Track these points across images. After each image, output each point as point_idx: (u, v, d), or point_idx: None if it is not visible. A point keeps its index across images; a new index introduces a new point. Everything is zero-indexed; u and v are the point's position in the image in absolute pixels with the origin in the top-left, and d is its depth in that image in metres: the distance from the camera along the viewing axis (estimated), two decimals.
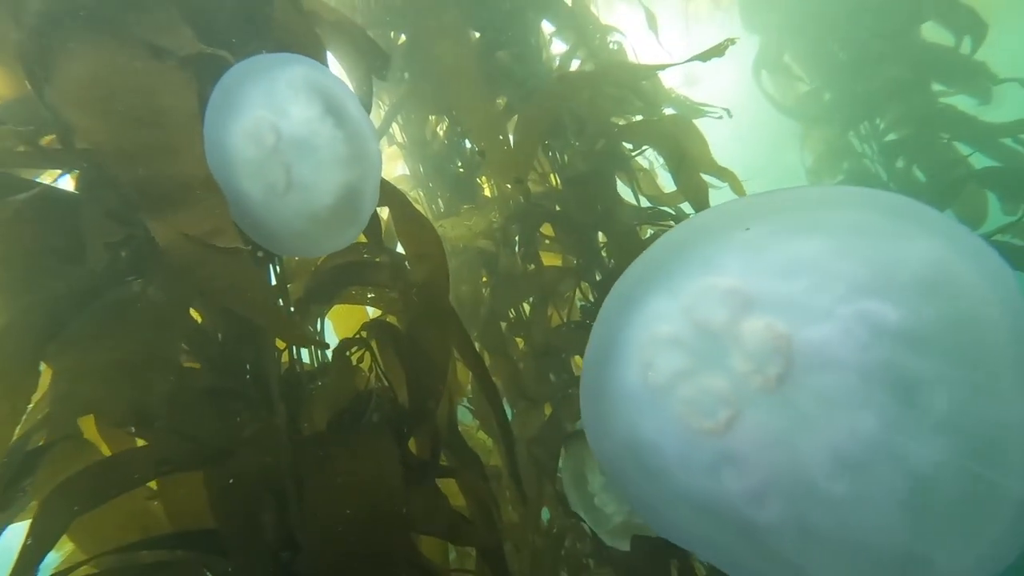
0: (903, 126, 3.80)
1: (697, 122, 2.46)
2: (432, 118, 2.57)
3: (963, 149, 3.63)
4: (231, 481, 0.98)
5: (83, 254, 1.05)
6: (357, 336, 1.29)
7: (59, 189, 1.13)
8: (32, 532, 0.91)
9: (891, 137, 3.85)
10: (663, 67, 2.09)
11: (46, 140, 1.11)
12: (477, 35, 2.43)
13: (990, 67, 3.40)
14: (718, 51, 1.92)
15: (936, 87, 3.79)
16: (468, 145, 2.56)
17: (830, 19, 4.24)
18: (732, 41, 1.91)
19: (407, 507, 0.92)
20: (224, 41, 1.15)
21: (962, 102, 3.74)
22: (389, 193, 1.26)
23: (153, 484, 1.12)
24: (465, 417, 2.28)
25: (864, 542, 0.41)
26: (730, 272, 0.51)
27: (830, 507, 0.43)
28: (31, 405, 1.10)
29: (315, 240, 1.11)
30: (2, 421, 0.98)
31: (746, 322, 0.49)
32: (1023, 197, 3.27)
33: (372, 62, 1.42)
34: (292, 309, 1.29)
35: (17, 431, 1.02)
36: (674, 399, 0.52)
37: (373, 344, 1.33)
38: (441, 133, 2.63)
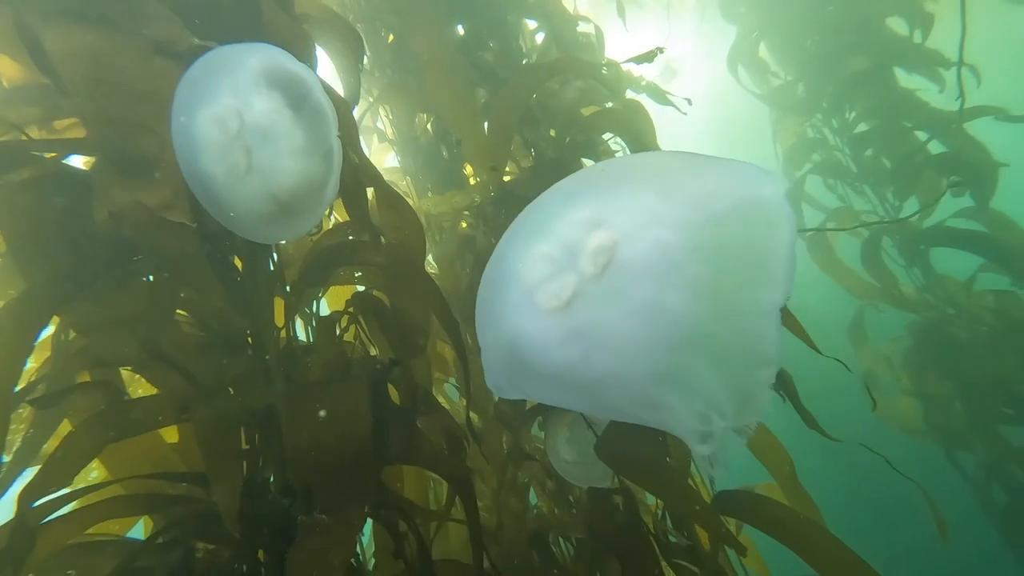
0: (871, 117, 4.00)
1: (675, 113, 2.63)
2: (421, 114, 2.71)
3: (922, 136, 3.83)
4: (220, 419, 1.13)
5: (92, 226, 1.19)
6: (345, 311, 1.45)
7: (71, 166, 1.27)
8: (61, 450, 1.07)
9: (861, 128, 4.04)
10: (646, 56, 2.27)
11: (60, 124, 1.26)
12: (457, 30, 2.58)
13: (943, 55, 3.59)
14: (648, 57, 2.16)
15: (899, 75, 3.99)
16: (454, 137, 2.70)
17: (802, 11, 4.42)
18: (660, 50, 2.21)
19: (386, 444, 1.09)
20: (217, 35, 1.28)
21: (924, 94, 3.94)
22: (370, 175, 1.41)
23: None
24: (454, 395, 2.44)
25: (649, 369, 0.73)
26: (584, 209, 0.80)
27: (633, 348, 0.73)
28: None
29: (276, 222, 1.15)
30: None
31: (590, 237, 0.77)
32: (972, 182, 3.49)
33: (357, 54, 1.57)
34: (288, 289, 1.43)
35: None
36: (538, 294, 0.79)
37: (360, 317, 1.48)
38: (429, 127, 2.77)
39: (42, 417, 1.32)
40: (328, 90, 1.44)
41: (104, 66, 1.17)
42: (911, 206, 3.72)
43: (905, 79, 4.01)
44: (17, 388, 1.20)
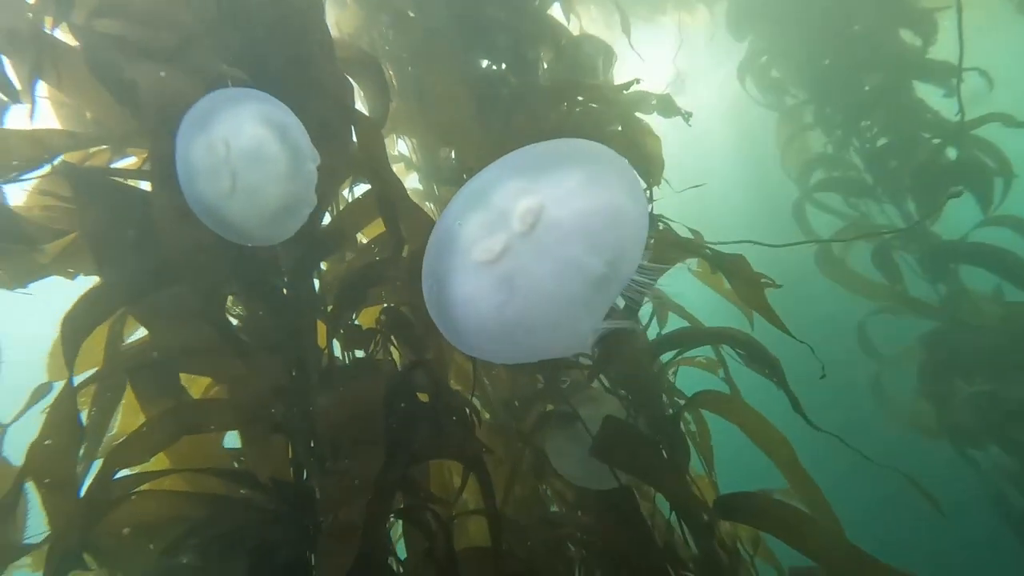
0: (888, 130, 4.07)
1: (684, 126, 2.81)
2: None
3: (937, 145, 3.87)
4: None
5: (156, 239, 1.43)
6: (377, 329, 1.64)
7: (139, 189, 1.51)
8: (137, 436, 1.27)
9: (881, 142, 4.09)
10: (626, 86, 2.46)
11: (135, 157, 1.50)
12: (472, 64, 2.82)
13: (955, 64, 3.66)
14: (629, 84, 2.55)
15: (914, 86, 4.06)
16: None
17: (811, 28, 4.56)
18: (637, 80, 2.54)
19: (411, 433, 1.26)
20: (272, 75, 1.52)
21: (940, 103, 4.00)
22: (397, 192, 1.60)
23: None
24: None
25: (563, 309, 0.94)
26: (514, 182, 0.99)
27: (552, 294, 0.93)
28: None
29: (259, 231, 1.32)
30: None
31: (520, 203, 0.96)
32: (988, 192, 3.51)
33: (385, 90, 1.81)
34: (329, 309, 1.62)
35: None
36: (474, 250, 0.96)
37: (389, 333, 1.66)
38: (452, 155, 3.00)
39: (102, 400, 1.52)
40: (359, 118, 1.66)
41: (169, 96, 1.41)
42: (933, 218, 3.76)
43: (920, 89, 4.08)
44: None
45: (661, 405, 2.05)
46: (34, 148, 1.42)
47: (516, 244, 0.93)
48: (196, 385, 1.71)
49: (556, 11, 3.25)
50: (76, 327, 1.38)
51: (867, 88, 4.12)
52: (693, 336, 2.13)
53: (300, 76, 1.55)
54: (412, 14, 2.72)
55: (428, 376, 1.45)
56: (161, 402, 1.44)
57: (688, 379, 2.28)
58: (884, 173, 4.01)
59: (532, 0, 3.04)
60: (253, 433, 1.35)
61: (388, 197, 1.53)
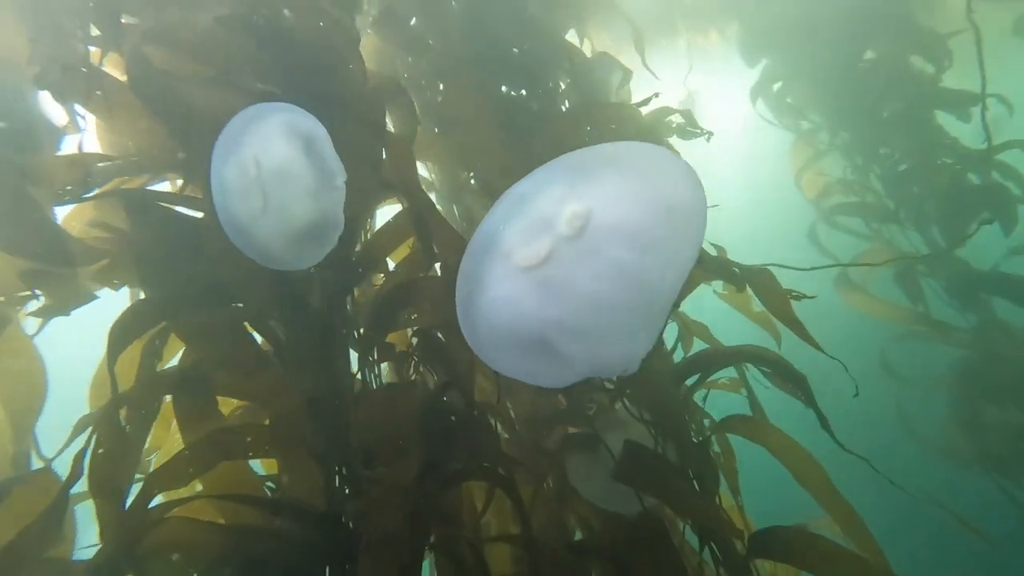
0: (911, 157, 4.08)
1: (695, 146, 2.85)
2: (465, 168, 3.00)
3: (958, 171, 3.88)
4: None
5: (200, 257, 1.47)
6: (410, 354, 1.66)
7: (185, 215, 1.56)
8: (176, 461, 1.29)
9: (903, 167, 4.10)
10: (644, 103, 2.52)
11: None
12: (493, 89, 2.90)
13: (974, 92, 3.70)
14: (648, 100, 2.61)
15: (933, 113, 4.09)
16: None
17: (824, 54, 4.63)
18: (656, 95, 2.59)
19: (445, 450, 1.26)
20: (308, 102, 1.58)
21: (958, 130, 4.02)
22: (427, 207, 1.63)
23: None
24: None
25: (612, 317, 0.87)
26: (560, 186, 0.95)
27: (602, 301, 0.88)
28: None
29: (292, 253, 1.31)
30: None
31: (567, 207, 0.92)
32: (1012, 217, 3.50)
33: (413, 116, 1.87)
34: (358, 334, 1.65)
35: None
36: (516, 255, 0.92)
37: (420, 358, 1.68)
38: (472, 181, 3.06)
39: (137, 417, 1.54)
40: (391, 140, 1.71)
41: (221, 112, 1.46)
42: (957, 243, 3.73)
43: (939, 114, 4.11)
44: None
45: (688, 431, 2.03)
46: (81, 172, 1.48)
47: (562, 248, 0.89)
48: (226, 406, 1.73)
49: (571, 36, 3.35)
50: (120, 337, 1.41)
51: (885, 115, 4.15)
52: (719, 356, 2.10)
53: (335, 103, 1.61)
54: (431, 42, 2.81)
55: (461, 396, 1.46)
56: (198, 423, 1.45)
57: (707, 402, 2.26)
58: (906, 198, 4.01)
59: (547, 26, 3.14)
60: (289, 459, 1.36)
61: (421, 216, 1.57)
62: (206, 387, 1.52)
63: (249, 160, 1.28)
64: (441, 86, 2.86)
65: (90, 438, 1.35)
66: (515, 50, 3.01)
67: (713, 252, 2.30)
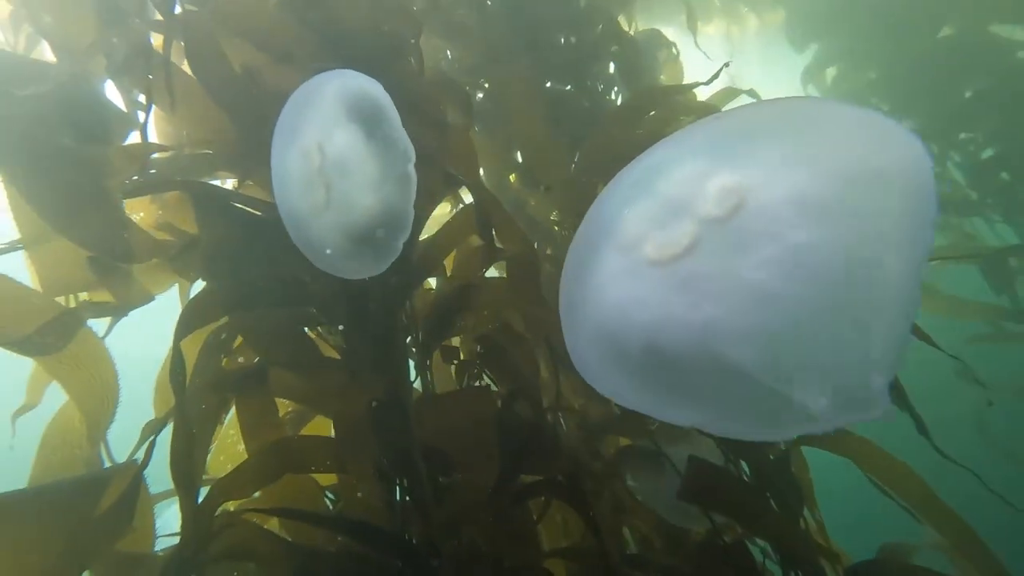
0: (999, 140, 3.71)
1: None
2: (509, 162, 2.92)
3: None
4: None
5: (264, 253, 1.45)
6: (474, 361, 1.60)
7: (256, 217, 1.54)
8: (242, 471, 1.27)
9: (988, 153, 3.75)
10: (691, 86, 2.38)
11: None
12: (544, 79, 2.82)
13: None
14: (715, 77, 2.38)
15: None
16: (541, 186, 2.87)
17: (888, 34, 4.30)
18: (727, 64, 2.37)
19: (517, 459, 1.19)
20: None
21: None
22: (491, 203, 1.56)
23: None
24: None
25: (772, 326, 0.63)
26: (697, 160, 0.73)
27: (758, 301, 0.64)
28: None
29: (353, 257, 1.16)
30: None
31: (710, 182, 0.71)
32: None
33: (469, 110, 1.81)
34: (417, 338, 1.59)
35: None
36: (646, 246, 0.72)
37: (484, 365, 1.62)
38: (512, 178, 2.98)
39: (200, 413, 1.53)
40: (452, 134, 1.65)
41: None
42: None
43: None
44: None
45: (762, 445, 1.89)
46: (146, 164, 1.48)
47: (711, 234, 0.67)
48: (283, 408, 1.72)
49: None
50: (185, 327, 1.41)
51: (968, 95, 3.82)
52: None
53: (393, 95, 1.57)
54: (476, 32, 2.74)
55: (530, 406, 1.39)
56: (257, 424, 1.44)
57: None
58: (993, 188, 3.68)
59: (594, 12, 3.03)
60: (353, 470, 1.32)
61: (484, 212, 1.50)
62: (264, 386, 1.50)
63: (313, 147, 1.13)
64: (486, 78, 2.81)
65: (154, 434, 1.35)
66: (562, 39, 2.92)
67: None
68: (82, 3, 1.71)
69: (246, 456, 1.42)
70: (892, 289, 0.61)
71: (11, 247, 1.52)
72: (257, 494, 1.46)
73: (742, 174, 0.69)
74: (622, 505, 1.83)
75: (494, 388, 1.56)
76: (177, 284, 1.88)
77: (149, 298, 1.70)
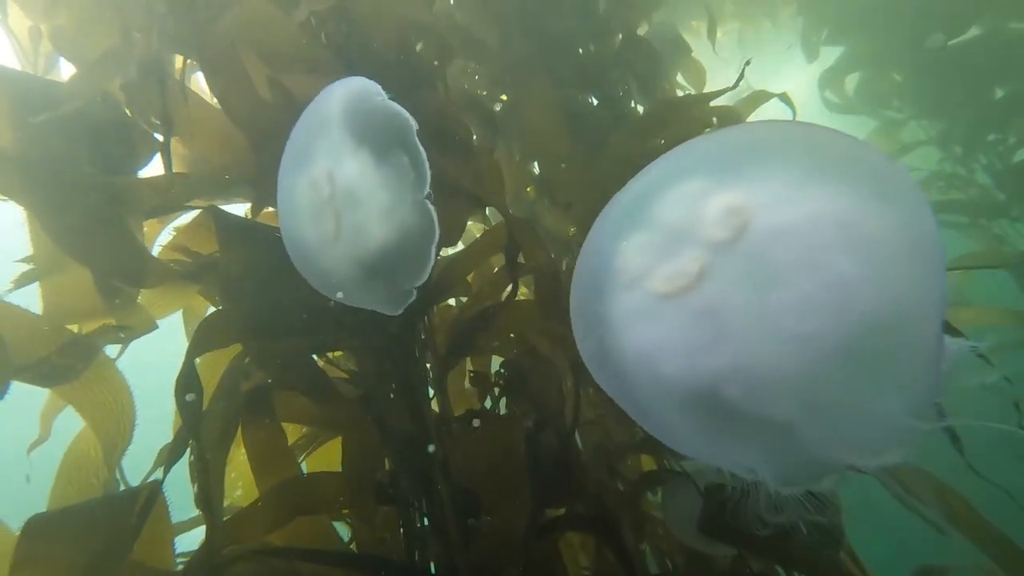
0: None
1: None
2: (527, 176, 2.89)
3: None
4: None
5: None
6: (496, 382, 1.57)
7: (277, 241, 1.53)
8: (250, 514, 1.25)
9: (1020, 155, 3.66)
10: (714, 95, 2.33)
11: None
12: (562, 92, 2.79)
13: None
14: (740, 80, 2.28)
15: None
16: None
17: (908, 37, 4.24)
18: (747, 62, 2.28)
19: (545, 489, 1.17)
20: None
21: None
22: (516, 225, 1.54)
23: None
24: None
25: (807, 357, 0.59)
26: (694, 181, 0.70)
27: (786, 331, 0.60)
28: None
29: (367, 289, 1.09)
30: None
31: (710, 204, 0.67)
32: None
33: (494, 129, 1.79)
34: (429, 365, 1.57)
35: None
36: (651, 281, 0.67)
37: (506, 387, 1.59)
38: (529, 191, 2.96)
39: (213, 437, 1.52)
40: (480, 157, 1.63)
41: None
42: None
43: None
44: None
45: None
46: (167, 194, 1.48)
47: (721, 260, 0.63)
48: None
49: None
50: (199, 350, 1.40)
51: (1000, 95, 3.75)
52: None
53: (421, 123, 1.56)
54: (494, 47, 2.73)
55: (556, 434, 1.36)
56: (264, 450, 1.42)
57: None
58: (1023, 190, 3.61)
59: (612, 22, 3.01)
60: (364, 505, 1.30)
61: (512, 232, 1.48)
62: (270, 411, 1.48)
63: (322, 176, 1.04)
64: (504, 92, 2.79)
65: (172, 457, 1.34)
66: (581, 50, 2.90)
67: None
68: (101, 19, 1.71)
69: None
70: (918, 312, 0.58)
71: (28, 279, 1.52)
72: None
73: (743, 191, 0.65)
74: (645, 529, 1.79)
75: (514, 409, 1.53)
76: (182, 310, 1.89)
77: (153, 326, 1.70)
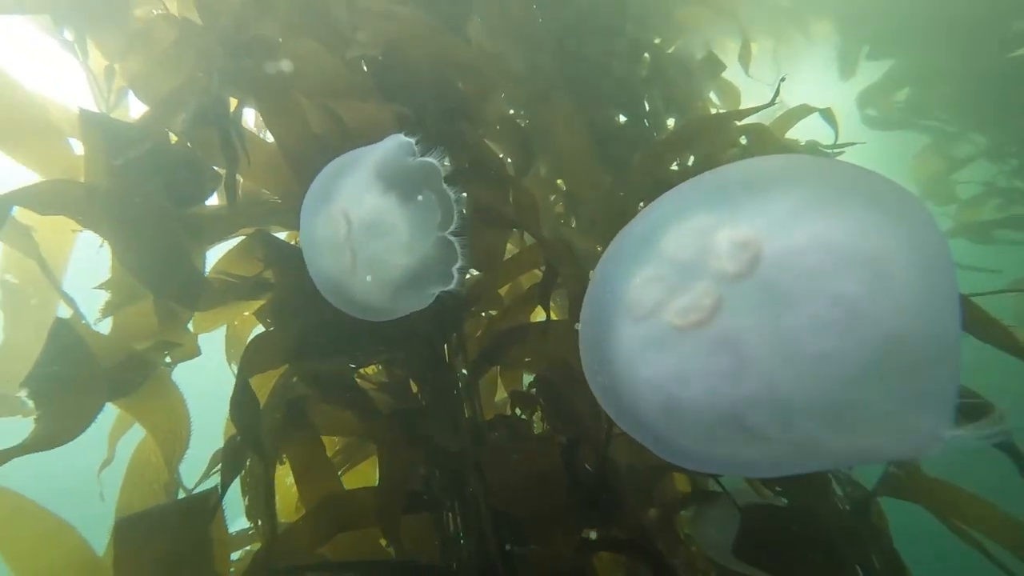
0: None
1: None
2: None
3: None
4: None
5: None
6: (527, 392, 1.64)
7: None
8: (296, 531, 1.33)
9: None
10: (745, 112, 2.33)
11: None
12: (590, 113, 2.87)
13: None
14: (776, 97, 2.25)
15: None
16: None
17: (958, 52, 4.16)
18: (783, 78, 2.28)
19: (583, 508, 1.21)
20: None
21: None
22: (552, 251, 1.60)
23: None
24: None
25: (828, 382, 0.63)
26: (698, 217, 0.74)
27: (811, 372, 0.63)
28: None
29: (384, 310, 1.22)
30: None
31: (717, 238, 0.70)
32: None
33: (529, 152, 1.87)
34: (463, 371, 1.65)
35: None
36: (664, 315, 0.70)
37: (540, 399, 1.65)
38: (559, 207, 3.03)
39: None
40: (516, 186, 1.72)
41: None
42: None
43: None
44: None
45: (832, 496, 1.80)
46: (229, 225, 1.62)
47: (733, 292, 0.66)
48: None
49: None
50: (251, 369, 1.50)
51: None
52: None
53: (459, 157, 1.66)
54: (521, 69, 2.83)
55: (592, 451, 1.40)
56: (312, 468, 1.50)
57: None
58: None
59: (641, 43, 3.07)
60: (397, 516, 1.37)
61: (550, 253, 1.55)
62: (311, 425, 1.58)
63: (339, 215, 1.18)
64: (532, 113, 2.89)
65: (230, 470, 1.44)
66: (608, 71, 2.96)
67: None
68: (168, 62, 1.91)
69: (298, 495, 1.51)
70: (924, 325, 0.60)
71: (112, 308, 1.69)
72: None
73: (751, 225, 0.68)
74: (679, 549, 1.79)
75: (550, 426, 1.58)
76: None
77: (198, 352, 1.84)
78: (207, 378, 2.14)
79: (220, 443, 1.70)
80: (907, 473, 1.80)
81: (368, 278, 1.18)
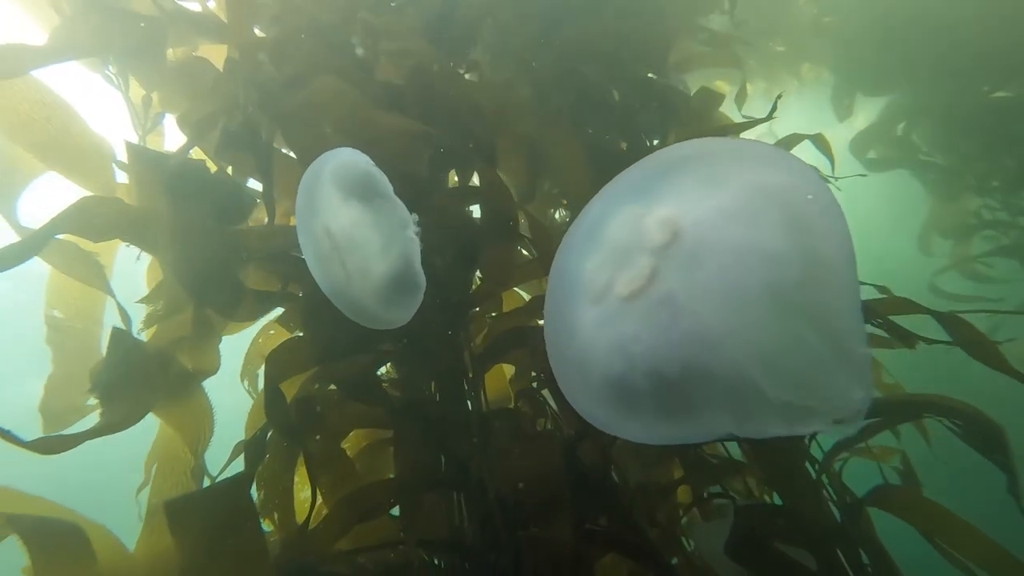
0: None
1: None
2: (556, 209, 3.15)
3: None
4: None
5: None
6: (531, 384, 1.79)
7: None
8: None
9: None
10: (741, 127, 2.49)
11: None
12: (591, 136, 3.06)
13: None
14: (773, 112, 2.38)
15: None
16: None
17: (949, 89, 4.37)
18: (779, 96, 2.41)
19: (583, 500, 1.34)
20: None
21: None
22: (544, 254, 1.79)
23: None
24: None
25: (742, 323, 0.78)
26: (630, 205, 0.92)
27: (723, 300, 0.79)
28: None
29: (378, 312, 1.32)
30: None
31: (648, 219, 0.88)
32: None
33: (535, 165, 2.07)
34: (470, 363, 1.81)
35: None
36: (616, 288, 0.86)
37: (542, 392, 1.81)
38: (558, 215, 3.21)
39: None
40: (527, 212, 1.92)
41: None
42: None
43: None
44: None
45: (825, 506, 1.86)
46: (269, 242, 1.82)
47: (666, 260, 0.83)
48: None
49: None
50: (278, 374, 1.66)
51: None
52: (895, 407, 1.82)
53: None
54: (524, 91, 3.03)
55: (596, 450, 1.54)
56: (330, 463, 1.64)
57: None
58: None
59: (642, 72, 3.27)
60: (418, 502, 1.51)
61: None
62: (327, 424, 1.73)
63: (321, 230, 1.30)
64: (536, 140, 3.09)
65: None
66: (610, 98, 3.16)
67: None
68: (202, 91, 2.15)
69: (307, 502, 1.64)
70: (833, 268, 0.75)
71: (152, 321, 1.88)
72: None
73: (669, 205, 0.86)
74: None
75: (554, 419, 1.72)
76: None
77: (217, 368, 2.00)
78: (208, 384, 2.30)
79: (220, 443, 1.88)
80: (900, 489, 1.88)
81: (358, 283, 1.30)
